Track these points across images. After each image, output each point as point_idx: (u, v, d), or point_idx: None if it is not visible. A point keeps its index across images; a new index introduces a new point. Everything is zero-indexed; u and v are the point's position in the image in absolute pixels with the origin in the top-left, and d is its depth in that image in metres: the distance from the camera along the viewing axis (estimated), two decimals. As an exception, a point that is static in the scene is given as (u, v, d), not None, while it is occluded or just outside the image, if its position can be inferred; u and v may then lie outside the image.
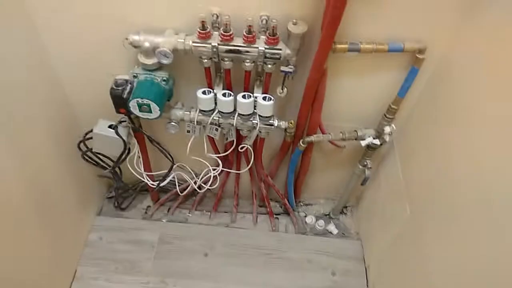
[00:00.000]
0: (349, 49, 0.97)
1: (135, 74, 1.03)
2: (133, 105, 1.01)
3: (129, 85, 1.04)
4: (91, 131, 1.19)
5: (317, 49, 0.95)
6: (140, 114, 1.04)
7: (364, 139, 1.19)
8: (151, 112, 1.03)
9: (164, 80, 1.03)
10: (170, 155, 1.23)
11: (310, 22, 0.94)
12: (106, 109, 1.12)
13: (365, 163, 1.30)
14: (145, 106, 1.01)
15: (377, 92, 1.13)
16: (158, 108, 1.01)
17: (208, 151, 1.25)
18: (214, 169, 1.34)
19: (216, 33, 0.97)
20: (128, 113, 1.06)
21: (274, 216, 1.62)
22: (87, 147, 1.27)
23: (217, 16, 0.95)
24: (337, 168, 1.47)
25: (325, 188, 1.59)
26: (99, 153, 1.29)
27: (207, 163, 1.32)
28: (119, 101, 1.02)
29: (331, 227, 1.59)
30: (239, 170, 1.45)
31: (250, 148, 1.25)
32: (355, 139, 1.20)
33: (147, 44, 0.97)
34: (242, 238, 1.56)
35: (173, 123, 1.15)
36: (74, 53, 1.10)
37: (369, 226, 1.49)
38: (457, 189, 0.90)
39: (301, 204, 1.66)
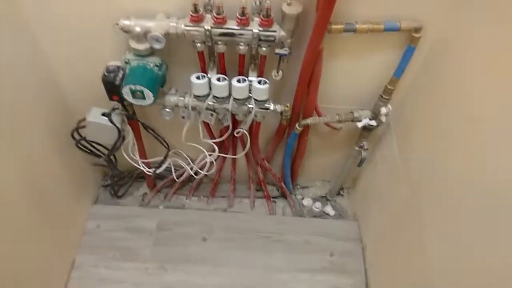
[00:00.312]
0: (345, 29, 0.96)
1: (127, 60, 1.01)
2: (126, 92, 1.00)
3: (121, 71, 1.01)
4: (84, 119, 1.17)
5: (312, 30, 0.93)
6: (133, 101, 1.02)
7: (360, 121, 1.19)
8: (144, 98, 1.01)
9: (157, 66, 1.01)
10: (165, 141, 1.22)
11: (305, 3, 0.92)
12: (99, 97, 1.10)
13: (362, 144, 1.30)
14: (138, 93, 0.99)
15: (373, 73, 1.12)
16: (151, 94, 1.00)
17: (204, 136, 1.24)
18: (210, 155, 1.33)
19: (209, 15, 0.95)
20: (121, 100, 1.04)
21: (271, 199, 1.63)
22: (80, 136, 1.26)
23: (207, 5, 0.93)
24: (334, 150, 1.47)
25: (321, 170, 1.59)
26: (93, 142, 1.28)
27: (203, 149, 1.31)
28: (112, 88, 1.00)
29: (328, 209, 1.60)
30: (235, 155, 1.44)
31: (246, 133, 1.24)
32: (352, 121, 1.20)
33: (138, 29, 0.95)
34: (240, 222, 1.57)
35: (167, 109, 1.13)
36: (64, 41, 1.07)
37: (366, 207, 1.50)
38: (455, 169, 0.91)
39: (298, 187, 1.67)
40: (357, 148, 1.33)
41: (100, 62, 1.03)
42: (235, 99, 1.10)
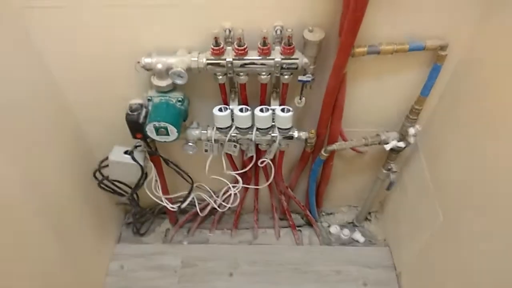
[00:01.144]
0: (368, 51, 0.94)
1: (149, 97, 1.00)
2: (150, 129, 0.98)
3: (144, 109, 1.01)
4: (107, 158, 1.16)
5: (336, 55, 0.91)
6: (157, 138, 1.01)
7: (387, 143, 1.15)
8: (168, 134, 1.00)
9: (179, 101, 1.01)
10: (188, 176, 1.19)
11: (327, 28, 0.91)
12: (119, 134, 1.09)
13: (389, 167, 1.26)
14: (162, 129, 0.98)
15: (398, 93, 1.09)
16: (175, 130, 0.98)
17: (227, 168, 1.22)
18: (234, 186, 1.30)
19: (230, 48, 0.94)
20: (145, 137, 1.03)
21: (297, 228, 1.58)
22: (103, 176, 1.24)
23: (230, 31, 0.92)
24: (359, 174, 1.43)
25: (347, 195, 1.55)
26: (115, 181, 1.26)
27: (226, 181, 1.28)
28: (136, 126, 0.99)
29: (357, 236, 1.54)
30: (258, 185, 1.41)
31: (270, 162, 1.21)
32: (379, 144, 1.16)
33: (160, 66, 0.95)
34: (266, 254, 1.52)
35: (190, 144, 1.11)
36: (85, 80, 1.08)
37: (397, 231, 1.44)
38: (494, 188, 0.86)
39: (323, 214, 1.62)
40: (384, 171, 1.29)
41: (121, 100, 1.02)
42: (258, 129, 1.08)
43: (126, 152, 1.15)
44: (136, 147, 1.15)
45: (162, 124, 0.96)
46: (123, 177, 1.23)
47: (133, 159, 1.14)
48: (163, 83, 0.97)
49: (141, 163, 1.16)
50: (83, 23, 0.93)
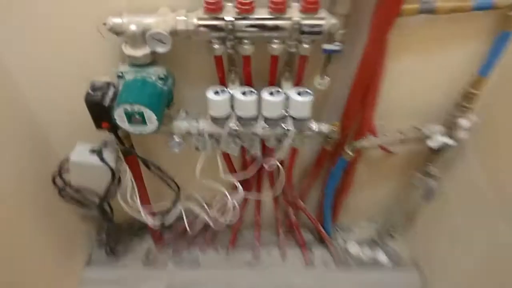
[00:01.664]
0: (421, 9, 0.69)
1: (120, 73, 0.74)
2: (119, 116, 0.72)
3: (113, 88, 0.74)
4: (68, 159, 0.89)
5: (376, 11, 0.66)
6: (130, 128, 0.74)
7: (430, 138, 0.90)
8: (145, 123, 0.73)
9: (161, 79, 0.74)
10: (174, 182, 0.92)
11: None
12: (84, 127, 0.83)
13: (428, 170, 1.00)
14: (136, 116, 0.71)
15: (447, 73, 0.84)
16: (155, 117, 0.72)
17: (224, 172, 0.95)
18: (232, 196, 1.03)
19: (230, 4, 0.69)
20: (114, 128, 0.76)
21: (307, 247, 1.31)
22: (64, 182, 0.97)
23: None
24: (385, 180, 1.17)
25: (367, 207, 1.28)
26: (81, 188, 0.98)
27: (222, 189, 1.01)
28: (99, 111, 0.73)
29: (380, 256, 1.27)
30: (260, 193, 1.14)
31: (279, 165, 0.95)
32: (419, 140, 0.91)
33: (133, 28, 0.69)
34: (271, 279, 1.24)
35: (176, 139, 0.85)
36: (37, 56, 0.81)
37: (432, 252, 1.18)
38: None
39: (338, 229, 1.35)
40: (421, 176, 1.03)
41: (84, 81, 0.76)
42: (266, 119, 0.82)
43: (92, 151, 0.89)
44: (105, 144, 0.89)
45: (136, 107, 0.70)
46: (88, 183, 0.95)
47: (101, 159, 0.87)
48: (138, 52, 0.71)
49: (112, 165, 0.89)
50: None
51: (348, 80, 0.81)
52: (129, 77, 0.74)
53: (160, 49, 0.70)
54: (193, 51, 0.78)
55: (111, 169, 0.89)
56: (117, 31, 0.70)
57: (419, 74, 0.84)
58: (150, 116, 0.71)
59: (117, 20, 0.69)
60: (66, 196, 0.99)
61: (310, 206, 1.22)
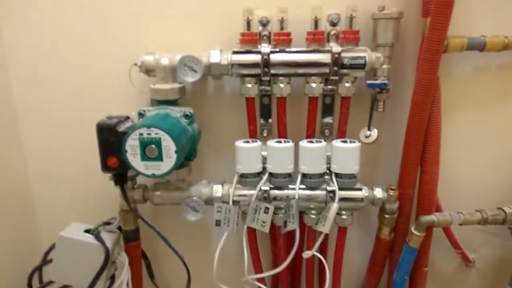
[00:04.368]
0: (469, 45, 0.65)
1: (141, 111, 0.66)
2: (132, 146, 0.60)
3: (130, 122, 0.66)
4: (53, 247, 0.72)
5: (425, 42, 0.61)
6: (142, 168, 0.60)
7: (518, 219, 0.69)
8: (161, 159, 0.60)
9: (186, 116, 0.66)
10: (186, 266, 0.70)
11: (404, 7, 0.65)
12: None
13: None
14: (152, 147, 0.59)
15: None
16: (174, 148, 0.59)
17: (249, 269, 0.72)
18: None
19: (265, 45, 0.67)
20: (122, 167, 0.63)
21: None
22: (41, 280, 0.75)
23: (265, 23, 0.67)
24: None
25: None
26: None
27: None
28: (110, 139, 0.61)
29: None
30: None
31: (319, 255, 0.72)
32: (503, 223, 0.70)
33: (165, 61, 0.66)
34: None
35: (194, 198, 0.69)
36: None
37: None
38: None
39: None
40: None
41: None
42: (305, 176, 0.67)
43: (88, 232, 0.72)
44: (106, 224, 0.73)
45: (154, 132, 0.59)
46: (73, 277, 0.73)
47: (97, 238, 0.70)
48: (166, 85, 0.66)
49: (109, 246, 0.70)
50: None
51: (399, 131, 0.70)
52: (150, 114, 0.66)
53: (190, 78, 0.64)
54: (223, 106, 0.73)
55: (106, 251, 0.69)
56: (149, 70, 0.67)
57: (476, 134, 0.72)
58: (169, 146, 0.59)
59: (149, 58, 0.67)
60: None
61: None
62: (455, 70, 0.69)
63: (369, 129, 0.69)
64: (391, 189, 0.68)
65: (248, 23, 0.65)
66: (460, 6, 0.61)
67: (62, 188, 0.82)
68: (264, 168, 0.69)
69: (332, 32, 0.65)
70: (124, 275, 0.73)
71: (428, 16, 0.60)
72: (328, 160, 0.68)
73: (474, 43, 0.65)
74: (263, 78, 0.66)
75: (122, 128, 0.62)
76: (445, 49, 0.64)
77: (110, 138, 0.61)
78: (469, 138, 0.73)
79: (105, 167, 0.63)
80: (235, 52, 0.65)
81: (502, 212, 0.70)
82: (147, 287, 0.80)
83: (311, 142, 0.67)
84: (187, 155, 0.68)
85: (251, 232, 0.73)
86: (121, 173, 0.66)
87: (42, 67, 0.74)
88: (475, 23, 0.67)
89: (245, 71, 0.66)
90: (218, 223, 0.70)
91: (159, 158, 0.60)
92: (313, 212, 0.69)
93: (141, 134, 0.59)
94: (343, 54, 0.64)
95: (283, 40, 0.65)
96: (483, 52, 0.65)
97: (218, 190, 0.70)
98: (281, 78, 0.66)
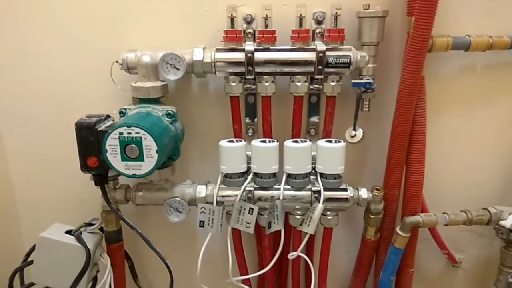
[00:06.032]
0: (454, 44, 0.65)
1: (122, 110, 0.65)
2: (111, 146, 0.58)
3: (111, 121, 0.64)
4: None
5: (409, 43, 0.61)
6: (122, 167, 0.59)
7: (503, 219, 0.69)
8: (142, 159, 0.59)
9: (168, 115, 0.65)
10: (168, 267, 0.68)
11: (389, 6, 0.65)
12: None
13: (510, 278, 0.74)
14: (133, 146, 0.58)
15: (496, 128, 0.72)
16: (155, 147, 0.58)
17: (234, 270, 0.71)
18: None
19: (250, 43, 0.66)
20: (102, 165, 0.61)
21: None
22: (22, 282, 0.74)
23: (250, 21, 0.66)
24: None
25: None
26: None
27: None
28: (89, 138, 0.60)
29: None
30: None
31: (304, 256, 0.71)
32: (487, 223, 0.70)
33: (147, 59, 0.64)
34: None
35: (177, 198, 0.68)
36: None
37: None
38: None
39: None
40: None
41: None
42: (290, 177, 0.67)
43: (69, 232, 0.71)
44: (88, 224, 0.72)
45: (135, 131, 0.57)
46: (54, 280, 0.71)
47: (78, 239, 0.68)
48: (148, 83, 0.64)
49: (90, 247, 0.69)
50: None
51: (384, 130, 0.69)
52: (131, 112, 0.64)
53: (173, 76, 0.63)
54: (207, 105, 0.72)
55: (88, 253, 0.68)
56: (130, 66, 0.66)
57: (460, 133, 0.72)
58: (150, 146, 0.58)
59: (130, 55, 0.66)
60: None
61: None
62: (440, 69, 0.69)
63: (354, 129, 0.68)
64: (376, 189, 0.67)
65: (232, 20, 0.64)
66: (445, 6, 0.61)
67: (44, 188, 0.81)
68: (249, 168, 0.69)
69: (317, 31, 0.65)
70: (106, 277, 0.73)
71: (413, 15, 0.59)
72: (314, 160, 0.67)
73: (459, 43, 0.65)
74: (247, 77, 0.65)
75: (101, 127, 0.61)
76: (430, 48, 0.64)
77: (90, 138, 0.60)
78: (454, 137, 0.73)
79: (85, 167, 0.62)
80: (218, 50, 0.64)
81: (487, 212, 0.70)
82: None
83: (296, 142, 0.66)
84: (170, 155, 0.67)
85: (236, 232, 0.72)
86: (101, 173, 0.64)
87: (22, 67, 0.72)
88: (460, 22, 0.67)
89: (229, 69, 0.65)
90: (201, 224, 0.69)
91: (140, 158, 0.59)
92: (298, 212, 0.69)
93: (121, 134, 0.58)
94: (328, 53, 0.63)
95: (267, 38, 0.64)
96: (468, 51, 0.65)
97: (201, 190, 0.69)
98: (265, 76, 0.65)
